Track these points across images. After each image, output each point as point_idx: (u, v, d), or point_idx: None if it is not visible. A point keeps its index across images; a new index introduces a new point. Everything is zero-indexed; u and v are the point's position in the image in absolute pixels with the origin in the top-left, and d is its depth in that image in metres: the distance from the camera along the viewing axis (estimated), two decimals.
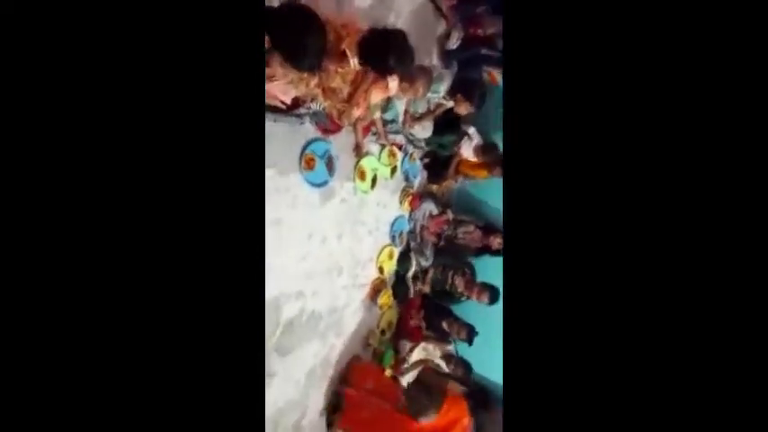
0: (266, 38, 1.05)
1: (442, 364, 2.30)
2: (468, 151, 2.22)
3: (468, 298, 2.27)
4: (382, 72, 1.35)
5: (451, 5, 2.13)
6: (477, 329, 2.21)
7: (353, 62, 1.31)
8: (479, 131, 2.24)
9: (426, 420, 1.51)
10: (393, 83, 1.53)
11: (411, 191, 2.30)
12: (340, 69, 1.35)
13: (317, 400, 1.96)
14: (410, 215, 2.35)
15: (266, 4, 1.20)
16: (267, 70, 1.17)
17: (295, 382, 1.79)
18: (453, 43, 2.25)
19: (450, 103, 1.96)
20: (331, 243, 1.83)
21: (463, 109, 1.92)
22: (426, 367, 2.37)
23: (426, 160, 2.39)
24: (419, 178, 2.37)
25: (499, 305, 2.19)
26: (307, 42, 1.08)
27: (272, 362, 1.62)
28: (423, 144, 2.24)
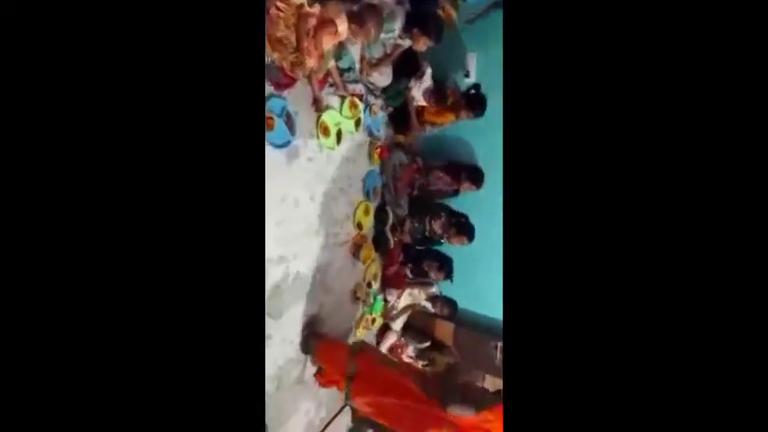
0: None
1: (429, 306, 2.45)
2: (417, 94, 2.16)
3: (449, 240, 2.35)
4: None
5: None
6: (453, 268, 2.31)
7: None
8: (434, 74, 2.19)
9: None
10: (342, 25, 1.44)
11: (378, 143, 2.27)
12: (280, 5, 1.25)
13: None
14: (381, 168, 2.34)
15: None
16: None
17: (290, 342, 1.85)
18: None
19: (408, 43, 1.88)
20: (305, 205, 1.81)
21: (422, 44, 1.83)
22: (414, 311, 2.52)
23: (390, 110, 2.33)
24: (384, 130, 2.33)
25: (482, 238, 2.30)
26: None
27: (267, 325, 1.66)
28: (383, 93, 2.17)
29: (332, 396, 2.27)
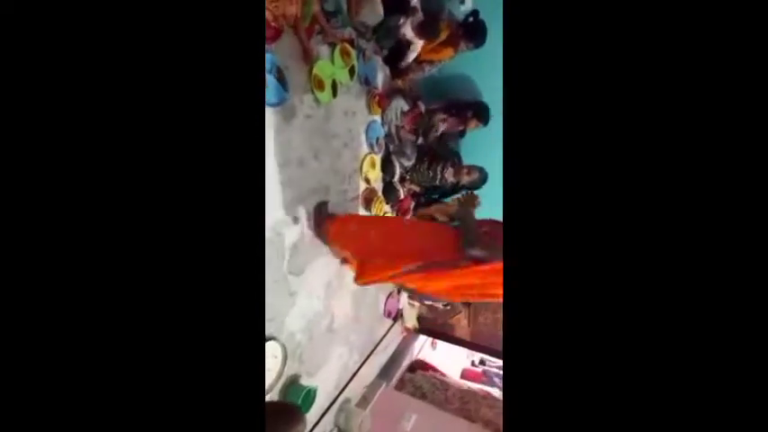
0: None
1: None
2: (409, 31, 2.00)
3: (460, 182, 2.33)
4: None
5: None
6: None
7: None
8: (425, 5, 2.00)
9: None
10: None
11: (376, 91, 2.17)
12: None
13: (341, 306, 2.18)
14: (382, 118, 2.27)
15: None
16: None
17: (316, 296, 1.96)
18: None
19: None
20: (310, 164, 1.80)
21: None
22: None
23: (385, 53, 2.19)
24: (381, 76, 2.21)
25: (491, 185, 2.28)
26: None
27: (291, 283, 1.75)
28: (374, 34, 2.03)
29: (362, 340, 2.45)
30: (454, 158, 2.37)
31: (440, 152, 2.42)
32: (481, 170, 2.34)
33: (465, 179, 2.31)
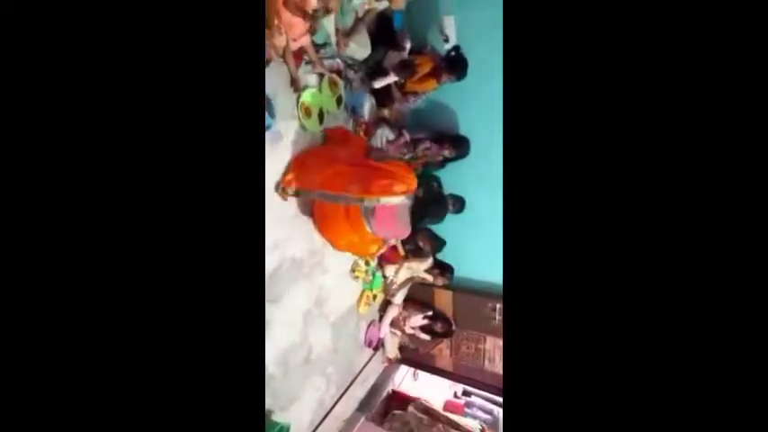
0: None
1: (428, 277, 2.49)
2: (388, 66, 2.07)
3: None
4: None
5: None
6: (445, 241, 2.34)
7: None
8: (412, 43, 2.11)
9: None
10: None
11: (362, 120, 2.22)
12: None
13: (319, 336, 2.10)
14: (368, 148, 2.30)
15: None
16: None
17: (293, 324, 1.89)
18: None
19: (381, 5, 1.79)
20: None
21: (400, 1, 1.74)
22: (414, 283, 2.56)
23: (372, 85, 2.26)
24: (367, 106, 2.27)
25: (475, 205, 2.31)
26: None
27: (267, 310, 1.68)
28: (362, 66, 2.10)
29: (341, 372, 2.35)
30: (433, 182, 2.41)
31: (420, 178, 2.45)
32: (461, 201, 2.38)
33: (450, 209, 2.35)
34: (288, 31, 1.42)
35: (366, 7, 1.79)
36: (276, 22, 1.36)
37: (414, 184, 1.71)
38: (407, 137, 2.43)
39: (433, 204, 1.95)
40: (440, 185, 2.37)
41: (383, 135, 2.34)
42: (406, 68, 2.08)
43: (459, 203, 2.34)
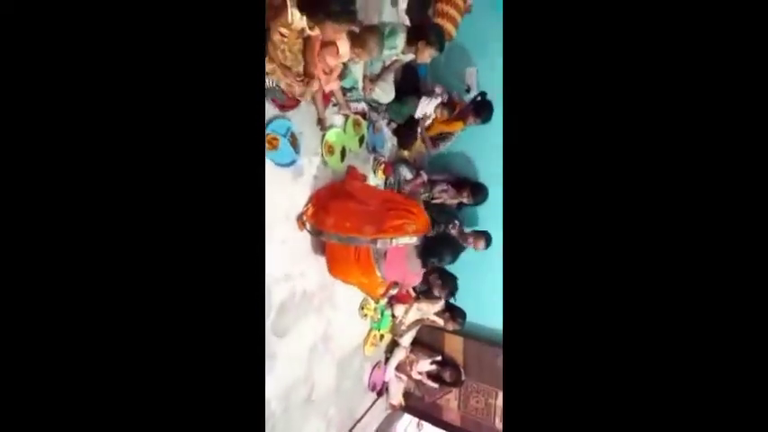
0: None
1: (438, 320, 2.41)
2: (429, 109, 2.19)
3: (466, 243, 2.34)
4: (327, 19, 1.31)
5: None
6: (457, 284, 2.30)
7: (294, 14, 1.26)
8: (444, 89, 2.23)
9: None
10: (344, 47, 1.48)
11: (383, 159, 2.29)
12: (283, 31, 1.30)
13: (324, 374, 2.03)
14: (386, 183, 2.36)
15: None
16: None
17: (298, 359, 1.84)
18: (402, 0, 2.18)
19: (407, 57, 1.91)
20: None
21: (426, 55, 1.85)
22: (423, 326, 2.48)
23: (393, 126, 2.37)
24: (388, 146, 2.36)
25: (490, 251, 2.29)
26: None
27: (271, 343, 1.65)
28: (386, 110, 2.21)
29: (342, 415, 2.23)
30: (456, 220, 2.40)
31: (444, 213, 2.46)
32: (487, 237, 2.35)
33: (471, 247, 2.32)
34: (321, 77, 1.52)
35: (394, 58, 1.92)
36: (315, 71, 1.46)
37: (426, 224, 1.71)
38: (425, 177, 2.48)
39: (443, 244, 1.93)
40: (461, 224, 2.36)
41: (401, 174, 2.40)
42: (449, 106, 2.21)
43: (485, 240, 2.30)
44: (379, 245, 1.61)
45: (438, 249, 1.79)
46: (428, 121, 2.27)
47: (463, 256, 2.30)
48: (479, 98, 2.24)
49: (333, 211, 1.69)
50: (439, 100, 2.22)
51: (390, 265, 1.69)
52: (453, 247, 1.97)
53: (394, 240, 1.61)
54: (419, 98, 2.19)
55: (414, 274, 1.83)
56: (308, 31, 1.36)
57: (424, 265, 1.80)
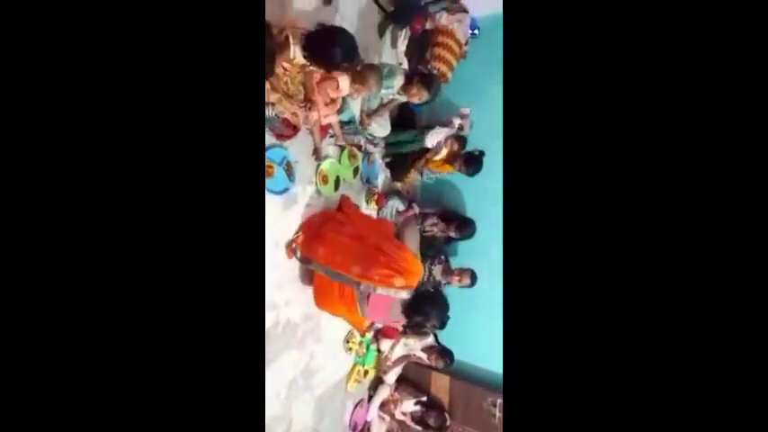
0: None
1: (424, 357, 2.34)
2: (432, 141, 2.24)
3: (449, 284, 2.31)
4: (329, 67, 1.36)
5: (396, 6, 2.18)
6: (448, 314, 2.25)
7: (296, 52, 1.31)
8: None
9: None
10: (344, 82, 1.54)
11: (375, 190, 2.32)
12: (286, 66, 1.35)
13: (302, 412, 1.92)
14: (378, 213, 2.37)
15: None
16: None
17: (276, 394, 1.75)
18: (401, 42, 2.31)
19: (403, 97, 2.00)
20: None
21: (418, 98, 1.94)
22: (409, 362, 2.40)
23: (387, 160, 2.42)
24: (381, 177, 2.40)
25: (480, 289, 2.27)
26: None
27: None
28: (381, 142, 2.27)
29: None
30: (442, 256, 2.40)
31: (428, 252, 2.46)
32: (473, 274, 2.34)
33: (455, 283, 2.30)
34: (320, 109, 1.57)
35: (390, 97, 2.00)
36: (314, 98, 1.51)
37: (415, 281, 1.64)
38: (417, 210, 2.50)
39: (430, 304, 1.83)
40: (447, 260, 2.35)
41: (393, 206, 2.42)
42: (459, 140, 2.27)
43: (471, 277, 2.28)
44: (362, 288, 1.58)
45: (425, 309, 1.67)
46: (439, 155, 2.29)
47: (452, 291, 2.28)
48: (477, 152, 2.30)
49: (326, 241, 1.67)
50: (452, 131, 2.27)
51: (373, 309, 1.64)
52: (440, 309, 1.81)
53: (378, 289, 1.57)
54: (421, 132, 2.26)
55: (395, 322, 1.77)
56: (310, 67, 1.42)
57: (408, 319, 1.72)
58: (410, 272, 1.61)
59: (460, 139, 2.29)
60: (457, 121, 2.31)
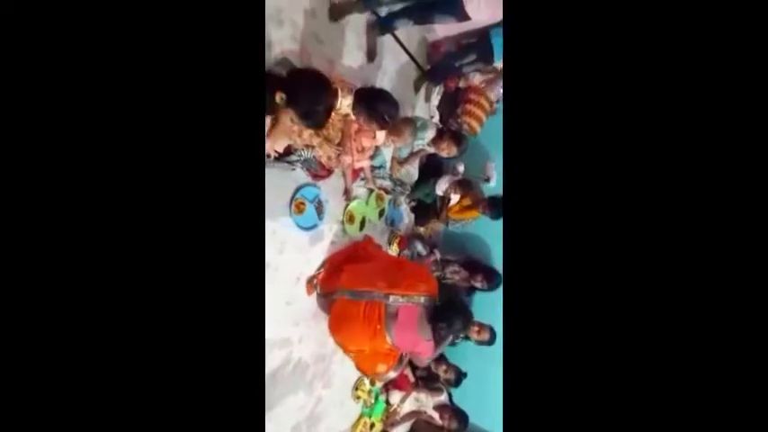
0: (280, 94, 1.17)
1: (436, 416, 2.19)
2: (444, 185, 2.31)
3: (467, 338, 2.21)
4: (376, 122, 1.47)
5: (432, 65, 2.35)
6: (464, 371, 2.12)
7: (342, 103, 1.42)
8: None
9: None
10: (381, 135, 1.64)
11: (398, 233, 2.34)
12: (334, 115, 1.46)
13: None
14: (399, 255, 2.37)
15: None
16: (271, 120, 1.26)
17: None
18: (435, 98, 2.45)
19: (432, 149, 2.08)
20: None
21: (447, 152, 2.03)
22: (419, 420, 2.25)
23: (413, 204, 2.47)
24: (405, 221, 2.43)
25: (497, 347, 2.15)
26: (322, 105, 1.27)
27: None
28: (408, 188, 2.33)
29: None
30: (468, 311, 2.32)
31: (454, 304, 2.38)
32: (492, 330, 2.24)
33: (474, 337, 2.20)
34: (353, 153, 1.66)
35: (420, 147, 2.10)
36: (349, 144, 1.61)
37: (435, 287, 1.67)
38: (438, 255, 2.49)
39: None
40: (470, 314, 2.28)
41: (415, 250, 2.42)
42: (464, 185, 2.34)
43: (490, 333, 2.17)
44: (391, 300, 1.56)
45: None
46: (452, 203, 2.35)
47: (467, 353, 2.17)
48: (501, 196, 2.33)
49: (347, 270, 1.69)
50: (454, 178, 2.33)
51: (401, 327, 1.57)
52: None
53: (406, 297, 1.57)
54: (433, 183, 2.32)
55: (426, 341, 1.69)
56: (352, 116, 1.52)
57: (434, 330, 1.67)
58: (430, 279, 1.71)
59: (463, 183, 2.34)
60: (461, 168, 2.37)
